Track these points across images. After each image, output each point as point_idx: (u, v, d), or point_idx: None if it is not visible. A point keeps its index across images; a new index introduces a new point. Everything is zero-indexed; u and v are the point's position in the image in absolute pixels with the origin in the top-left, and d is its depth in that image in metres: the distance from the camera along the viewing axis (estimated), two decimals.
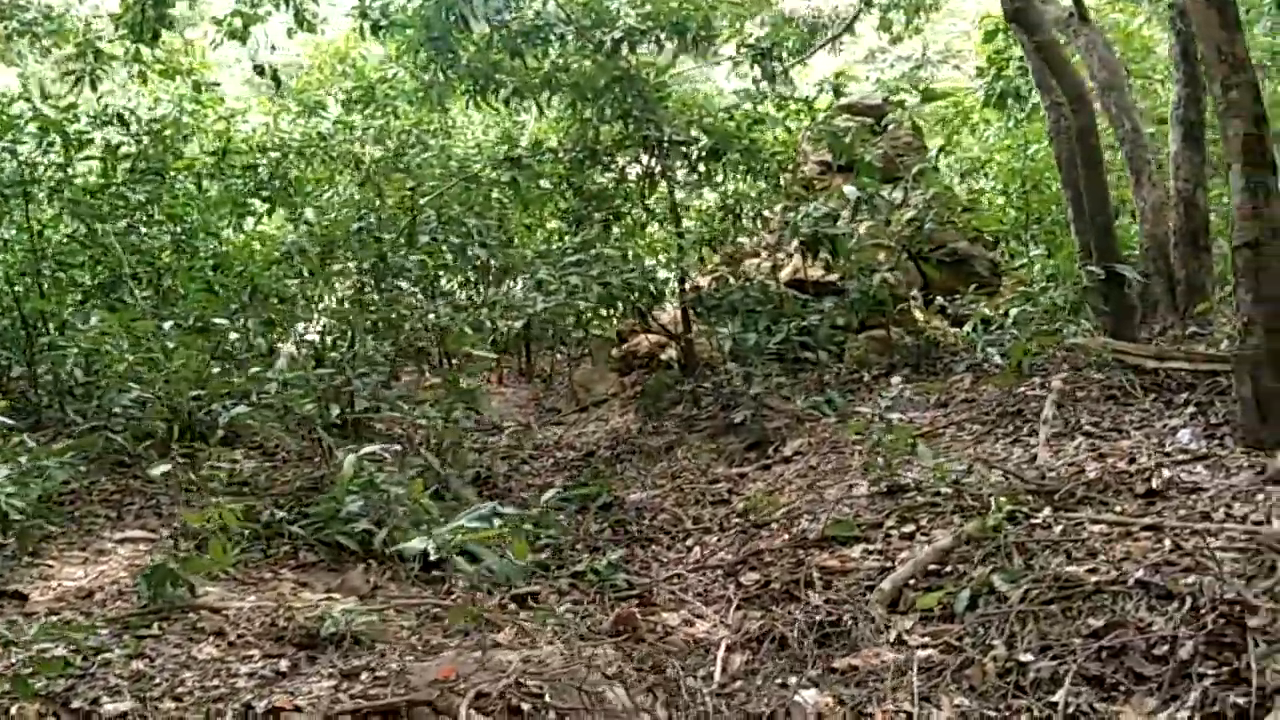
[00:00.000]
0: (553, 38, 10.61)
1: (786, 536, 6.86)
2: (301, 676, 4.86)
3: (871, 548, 6.30)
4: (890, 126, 11.94)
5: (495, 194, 11.32)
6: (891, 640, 5.29)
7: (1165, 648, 4.55)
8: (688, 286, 11.66)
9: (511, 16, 10.77)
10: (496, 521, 5.44)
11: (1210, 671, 4.34)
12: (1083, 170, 8.15)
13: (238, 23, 11.21)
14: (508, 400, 13.34)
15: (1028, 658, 4.77)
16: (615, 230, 11.26)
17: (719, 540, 7.37)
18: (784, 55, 11.20)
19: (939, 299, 10.37)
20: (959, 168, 12.76)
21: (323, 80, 15.75)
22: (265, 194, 10.85)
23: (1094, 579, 5.14)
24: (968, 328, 8.58)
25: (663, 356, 12.11)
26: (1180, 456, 6.58)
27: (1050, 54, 7.75)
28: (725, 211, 10.84)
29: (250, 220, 12.13)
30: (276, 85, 11.51)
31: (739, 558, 6.80)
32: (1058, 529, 5.79)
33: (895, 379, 8.49)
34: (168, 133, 10.57)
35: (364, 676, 4.79)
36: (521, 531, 6.54)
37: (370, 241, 9.10)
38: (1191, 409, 7.30)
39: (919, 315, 11.03)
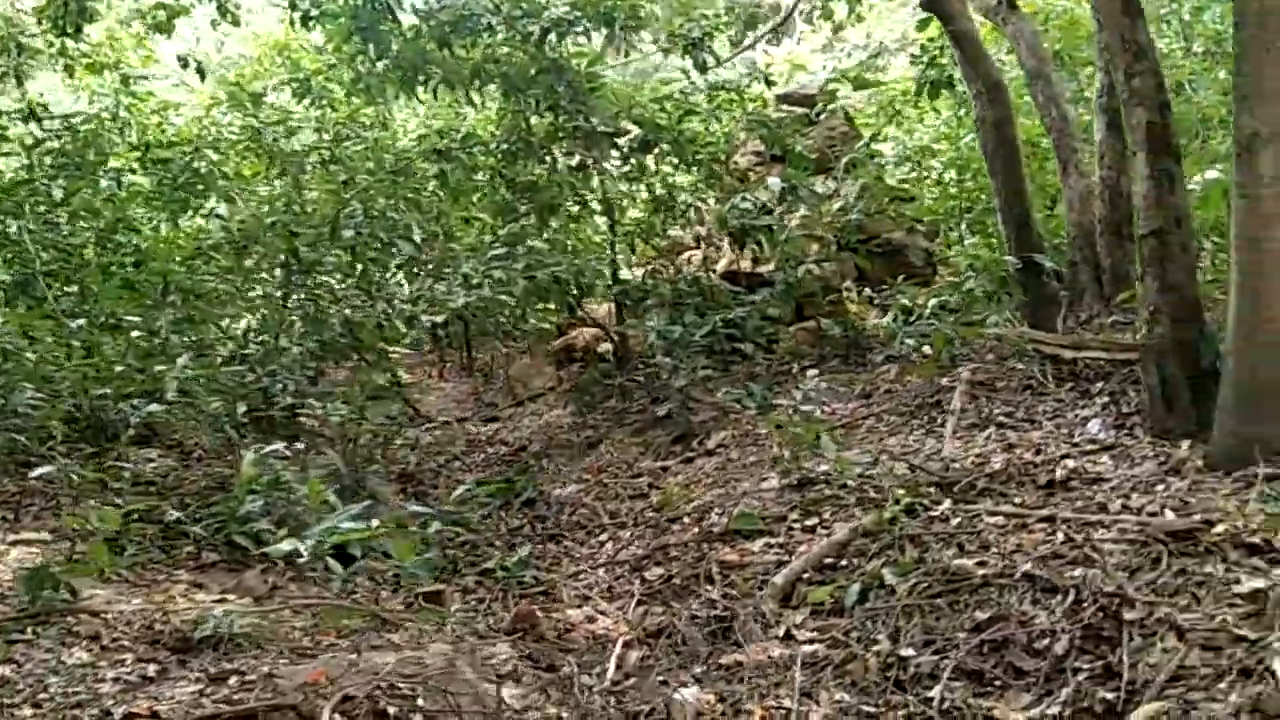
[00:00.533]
0: (480, 28, 10.46)
1: (695, 530, 6.78)
2: (169, 681, 4.74)
3: (773, 541, 6.24)
4: (823, 117, 11.88)
5: (431, 188, 11.17)
6: (780, 635, 5.22)
7: (1045, 642, 4.51)
8: (627, 279, 11.56)
9: (439, 6, 10.62)
10: (374, 522, 5.31)
11: (1085, 666, 4.29)
12: (999, 160, 8.09)
13: (162, 15, 11.03)
14: (447, 395, 13.24)
15: (909, 652, 4.72)
16: (553, 223, 11.12)
17: (631, 535, 7.30)
18: (715, 45, 11.08)
19: (867, 290, 10.32)
20: (898, 157, 12.67)
21: (262, 73, 15.57)
22: (185, 189, 10.65)
23: (982, 572, 5.09)
24: (888, 319, 8.53)
25: (600, 349, 12.01)
26: (1088, 447, 6.55)
27: (966, 42, 7.69)
28: (656, 203, 10.75)
29: (189, 215, 11.95)
30: (201, 78, 11.36)
31: (646, 553, 6.72)
32: (954, 521, 5.73)
33: (812, 371, 8.44)
34: (87, 128, 10.39)
35: (232, 681, 4.68)
36: (406, 531, 6.45)
37: (286, 236, 8.96)
38: (1105, 399, 7.27)
39: (852, 306, 10.98)
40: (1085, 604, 4.60)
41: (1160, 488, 5.72)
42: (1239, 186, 5.42)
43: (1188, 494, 5.54)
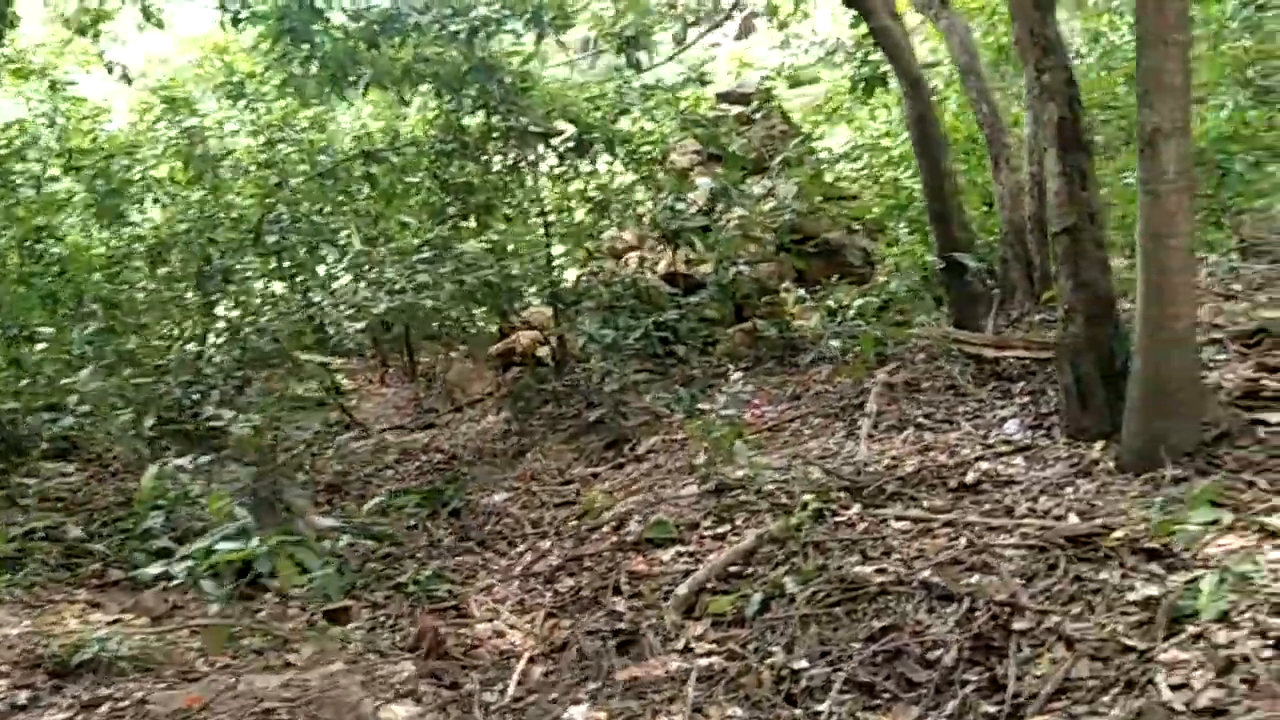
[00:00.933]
0: (409, 27, 10.29)
1: (611, 540, 6.66)
2: (40, 708, 4.59)
3: (684, 550, 6.13)
4: (758, 116, 11.78)
5: (363, 190, 11.00)
6: (680, 648, 5.11)
7: (938, 652, 4.42)
8: (563, 281, 11.42)
9: (367, 6, 10.45)
10: (253, 541, 5.15)
11: (973, 678, 4.20)
12: (921, 157, 8.01)
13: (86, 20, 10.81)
14: (388, 401, 13.07)
15: (803, 664, 4.62)
16: (495, 225, 10.97)
17: (550, 545, 7.16)
18: (659, 44, 10.96)
19: (803, 291, 10.21)
20: (843, 155, 12.57)
21: (203, 76, 15.33)
22: (114, 196, 10.44)
23: (881, 580, 5.00)
24: (815, 320, 8.43)
25: (539, 354, 11.87)
26: (1002, 448, 6.46)
27: (886, 39, 7.60)
28: (591, 204, 10.61)
29: (116, 223, 11.71)
30: (128, 82, 11.15)
31: (560, 563, 6.59)
32: (860, 527, 5.64)
33: (736, 375, 8.31)
34: (8, 134, 10.17)
35: (104, 708, 4.53)
36: (309, 547, 6.30)
37: (202, 243, 8.77)
38: (1025, 399, 7.19)
39: (790, 307, 10.87)
40: (978, 613, 4.52)
41: (1069, 490, 5.64)
42: (1143, 182, 5.35)
43: (1095, 497, 5.46)
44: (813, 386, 8.85)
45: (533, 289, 10.54)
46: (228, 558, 4.93)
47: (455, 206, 10.63)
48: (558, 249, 10.80)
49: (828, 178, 12.18)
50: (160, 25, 10.72)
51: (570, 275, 11.47)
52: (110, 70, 10.95)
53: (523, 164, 10.62)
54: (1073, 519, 5.18)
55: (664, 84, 10.80)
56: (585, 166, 10.86)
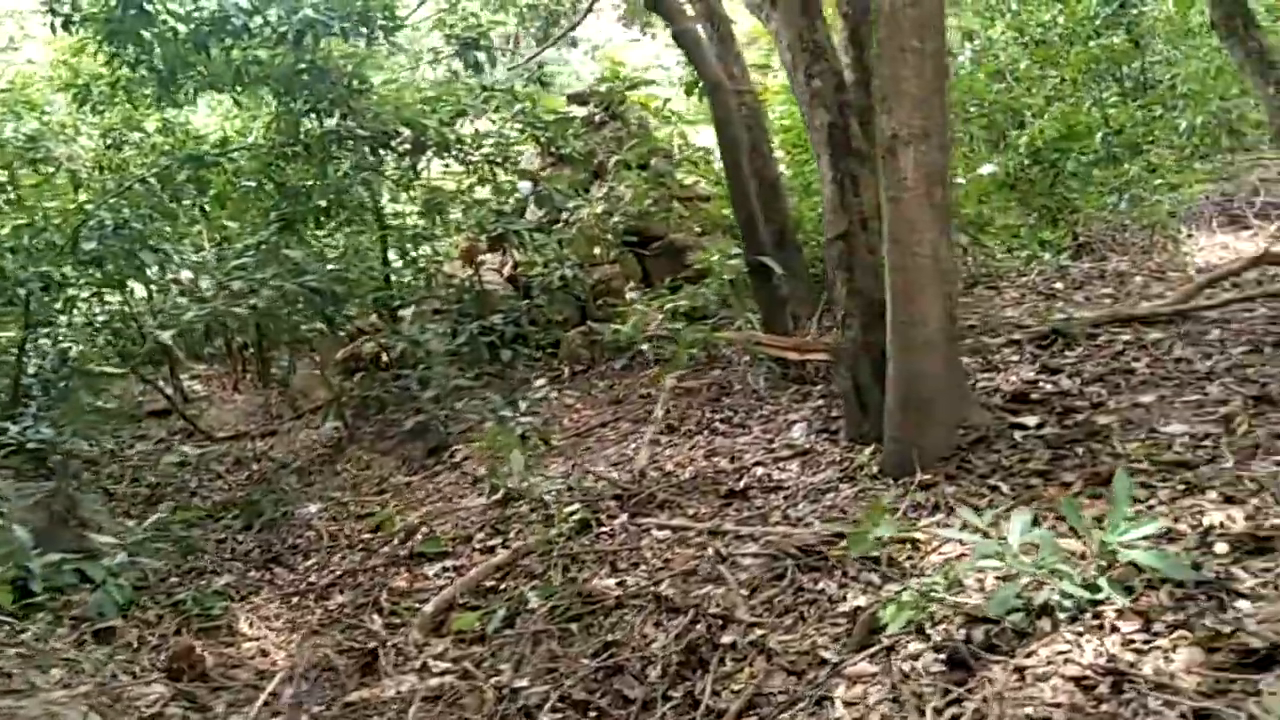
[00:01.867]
0: (238, 30, 10.05)
1: (387, 554, 6.54)
2: None
3: (450, 565, 6.03)
4: (597, 117, 11.69)
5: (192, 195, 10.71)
6: (417, 667, 5.01)
7: (657, 668, 4.37)
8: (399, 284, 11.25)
9: (196, 7, 10.18)
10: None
11: (677, 694, 4.15)
12: (725, 161, 7.98)
13: None
14: (237, 408, 12.76)
15: (524, 683, 4.54)
16: (323, 229, 10.76)
17: (340, 559, 7.02)
18: (517, 44, 10.83)
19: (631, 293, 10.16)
20: (683, 158, 12.50)
21: (55, 79, 14.90)
22: None
23: (617, 593, 4.94)
24: (629, 325, 8.35)
25: (382, 359, 11.66)
26: (784, 453, 6.45)
27: (686, 43, 7.56)
28: (427, 207, 10.44)
29: None
30: None
31: (335, 579, 6.46)
32: (620, 538, 5.59)
33: (540, 381, 8.24)
34: None
35: None
36: (95, 563, 6.13)
37: (23, 249, 8.46)
38: (819, 402, 7.19)
39: (633, 308, 10.79)
40: (698, 625, 4.48)
41: (829, 496, 5.64)
42: (886, 190, 5.34)
43: (851, 503, 5.47)
44: (637, 390, 8.80)
45: (370, 294, 10.34)
46: None
47: (290, 211, 10.39)
48: (394, 253, 10.62)
49: (691, 179, 12.13)
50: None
51: (411, 280, 11.31)
52: None
53: (362, 168, 10.41)
54: (817, 526, 5.17)
55: (500, 85, 10.65)
56: (423, 169, 10.70)
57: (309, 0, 9.86)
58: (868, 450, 6.01)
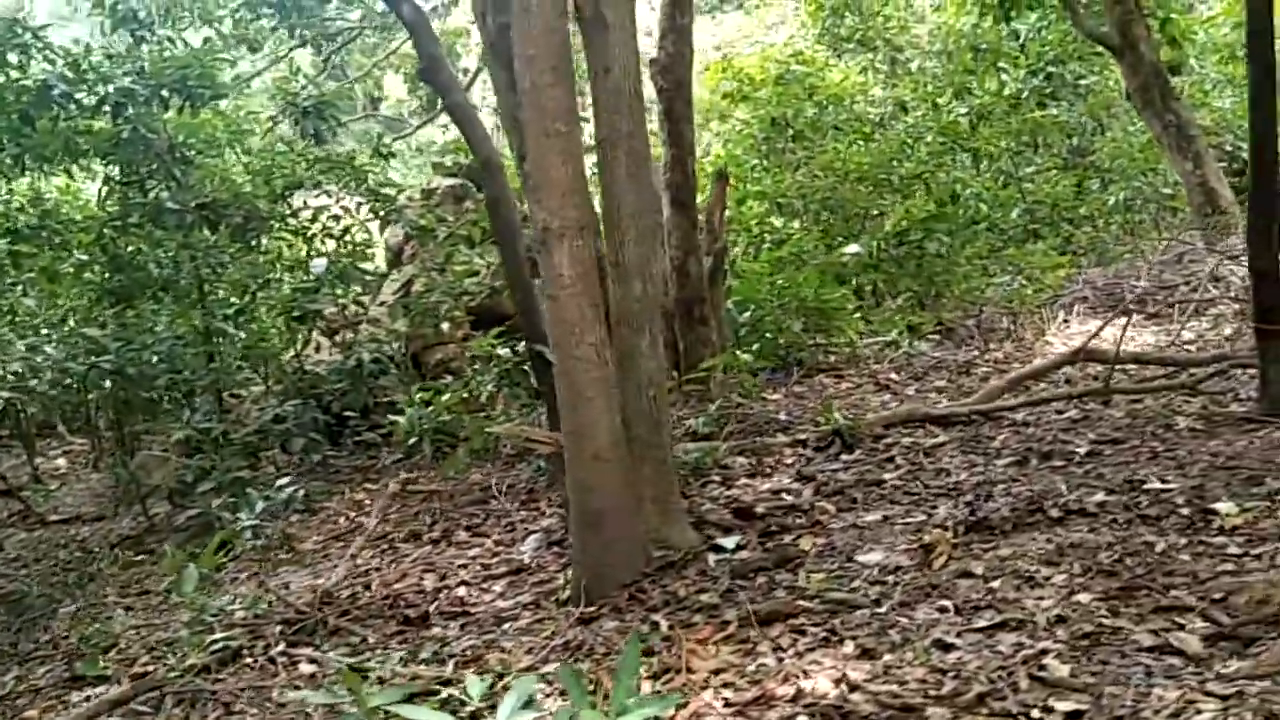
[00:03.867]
0: (60, 99, 9.66)
1: (52, 674, 5.92)
2: None
3: (99, 691, 5.40)
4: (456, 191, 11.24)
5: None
6: None
7: None
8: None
9: (19, 77, 9.81)
10: None
11: None
12: (498, 243, 7.45)
13: None
14: (89, 488, 12.20)
15: None
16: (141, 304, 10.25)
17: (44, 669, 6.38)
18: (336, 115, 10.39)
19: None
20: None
21: None
22: None
23: None
24: (405, 419, 7.75)
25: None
26: (500, 570, 5.84)
27: (459, 116, 7.08)
28: (237, 287, 9.90)
29: None
30: None
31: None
32: (257, 673, 4.96)
33: (284, 480, 7.64)
34: None
35: None
36: None
37: None
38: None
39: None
40: None
41: (506, 626, 5.02)
42: (543, 288, 4.80)
43: (517, 637, 4.84)
44: (433, 484, 8.19)
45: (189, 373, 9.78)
46: None
47: (119, 287, 9.94)
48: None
49: None
50: None
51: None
52: None
53: (187, 245, 9.91)
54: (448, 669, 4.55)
55: (338, 156, 10.20)
56: (258, 244, 10.23)
57: (123, 70, 9.50)
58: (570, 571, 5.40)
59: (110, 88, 9.40)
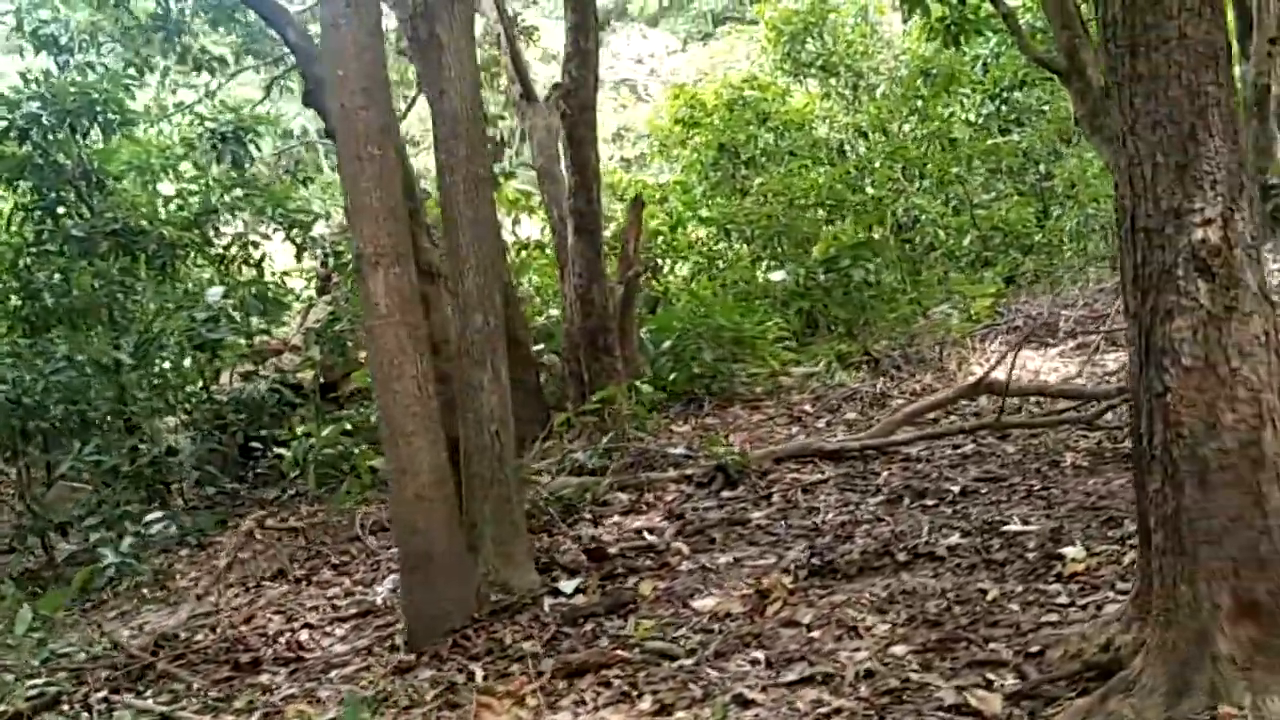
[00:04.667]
0: None
1: None
2: None
3: None
4: None
5: None
6: None
7: None
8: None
9: None
10: None
11: None
12: None
13: None
14: (9, 523, 11.92)
15: None
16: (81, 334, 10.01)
17: None
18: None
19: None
20: None
21: None
22: None
23: None
24: (290, 451, 7.54)
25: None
26: (350, 612, 5.59)
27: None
28: (166, 310, 9.69)
29: None
30: None
31: None
32: None
33: (153, 515, 7.40)
34: None
35: None
36: None
37: None
38: None
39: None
40: None
41: (334, 673, 4.77)
42: (364, 319, 4.58)
43: (339, 685, 4.59)
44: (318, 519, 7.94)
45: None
46: None
47: (32, 314, 9.71)
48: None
49: None
50: None
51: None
52: None
53: (99, 273, 9.68)
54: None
55: (254, 181, 10.00)
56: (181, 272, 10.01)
57: (28, 94, 9.31)
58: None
59: (17, 114, 9.19)
